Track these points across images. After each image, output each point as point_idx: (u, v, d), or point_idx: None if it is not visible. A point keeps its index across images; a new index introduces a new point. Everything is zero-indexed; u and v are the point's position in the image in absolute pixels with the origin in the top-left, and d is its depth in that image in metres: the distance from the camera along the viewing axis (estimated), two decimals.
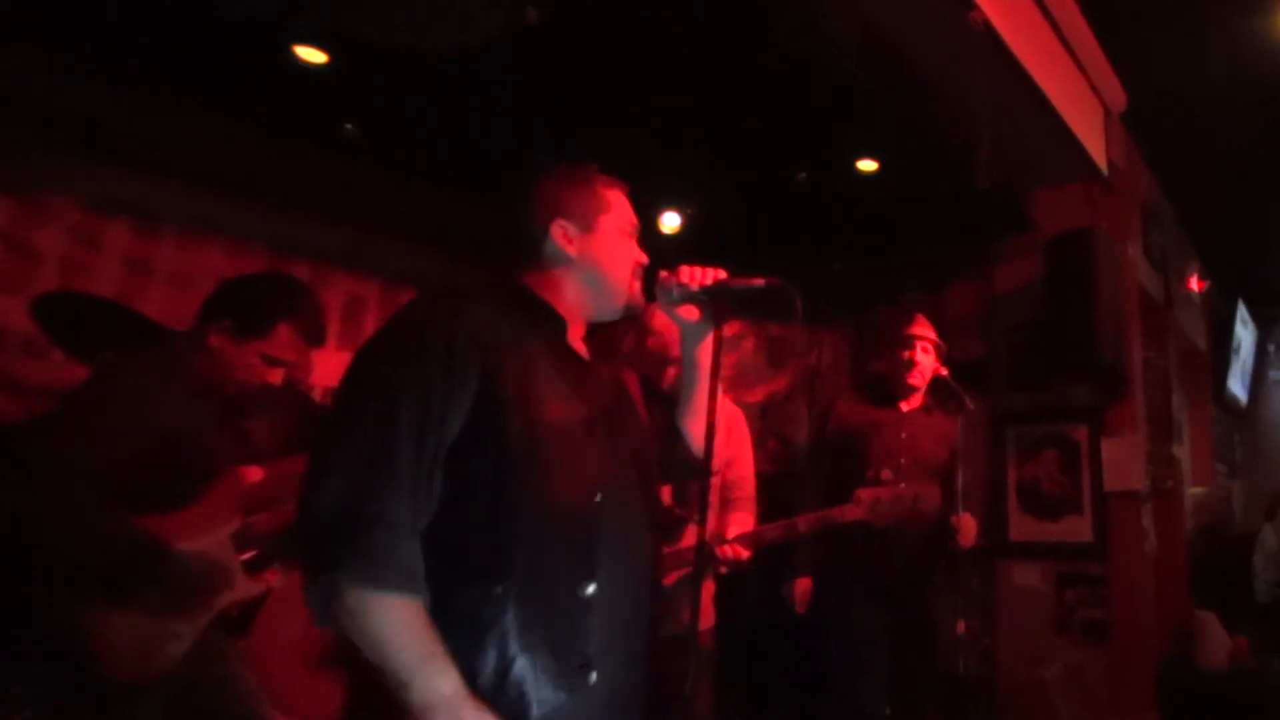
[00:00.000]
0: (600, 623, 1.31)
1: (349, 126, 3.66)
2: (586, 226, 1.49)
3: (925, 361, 3.34)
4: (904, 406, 3.37)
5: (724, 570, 2.61)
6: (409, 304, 1.37)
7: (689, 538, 2.58)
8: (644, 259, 1.55)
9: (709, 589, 2.71)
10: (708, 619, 2.73)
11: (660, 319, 2.54)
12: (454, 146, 3.81)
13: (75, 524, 1.82)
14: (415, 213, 4.34)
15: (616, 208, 1.53)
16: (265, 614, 2.42)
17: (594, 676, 1.28)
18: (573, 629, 1.29)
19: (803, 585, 3.22)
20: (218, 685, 2.07)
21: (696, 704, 2.58)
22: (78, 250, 3.58)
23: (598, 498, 1.36)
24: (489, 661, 1.21)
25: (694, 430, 1.64)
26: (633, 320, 1.60)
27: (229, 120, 3.58)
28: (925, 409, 3.36)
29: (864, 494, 2.70)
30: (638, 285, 1.54)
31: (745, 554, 2.59)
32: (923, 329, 3.37)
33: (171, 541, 1.89)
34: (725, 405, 2.90)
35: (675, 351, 2.48)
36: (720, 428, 2.79)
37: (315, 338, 2.15)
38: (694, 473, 1.68)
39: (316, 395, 3.86)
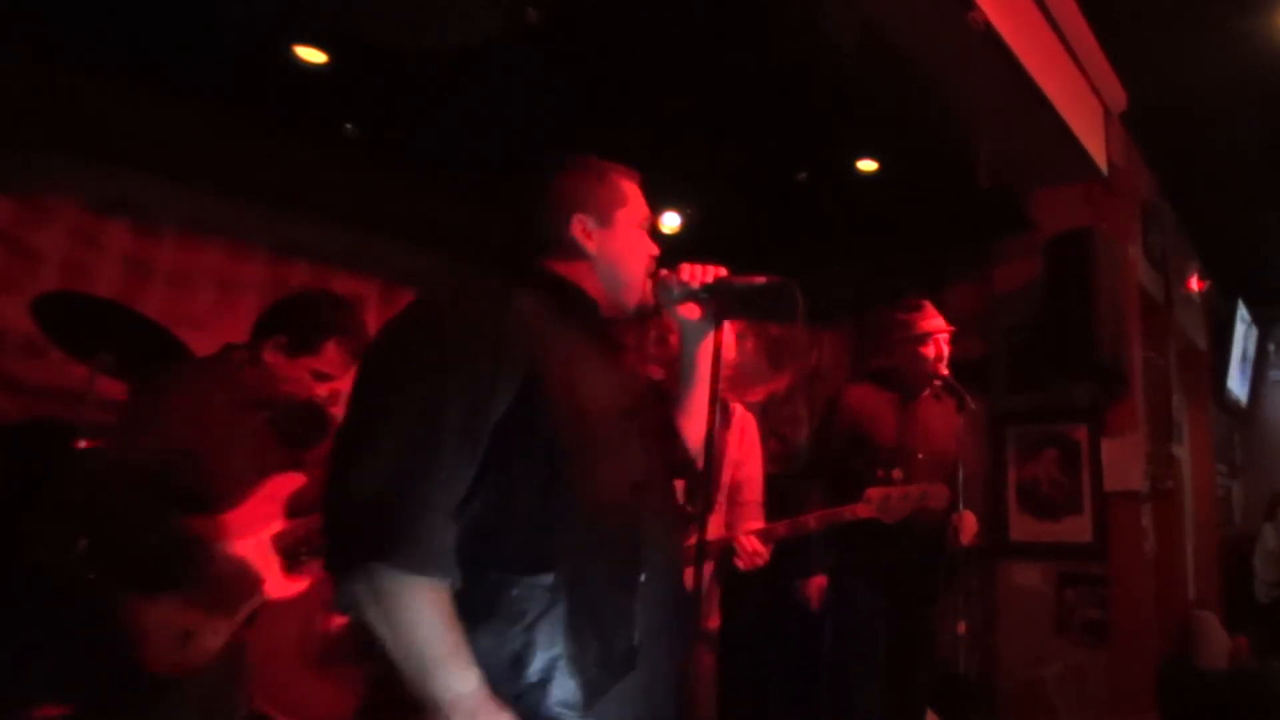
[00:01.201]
0: (642, 609, 1.31)
1: (349, 126, 3.66)
2: (605, 221, 1.47)
3: (945, 352, 3.31)
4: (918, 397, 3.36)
5: (741, 565, 2.61)
6: (453, 288, 1.33)
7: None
8: (656, 251, 1.53)
9: (716, 590, 2.72)
10: (714, 619, 2.73)
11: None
12: (454, 146, 3.81)
13: (122, 520, 1.92)
14: (415, 213, 4.34)
15: (633, 201, 1.52)
16: (265, 614, 2.42)
17: (638, 664, 1.28)
18: (621, 618, 1.28)
19: (817, 584, 3.23)
20: (244, 680, 2.20)
21: (700, 704, 2.58)
22: (78, 250, 3.59)
23: (641, 488, 1.35)
24: (539, 651, 1.20)
25: (688, 430, 1.62)
26: (647, 319, 1.59)
27: (229, 120, 3.58)
28: (935, 395, 3.32)
29: (874, 493, 2.71)
30: (650, 282, 1.52)
31: (764, 550, 2.60)
32: (934, 322, 3.34)
33: (214, 541, 1.99)
34: (736, 407, 2.91)
35: None
36: (734, 429, 2.81)
37: (360, 354, 2.25)
38: (685, 472, 1.67)
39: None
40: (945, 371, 3.28)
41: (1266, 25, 3.64)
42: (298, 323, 2.16)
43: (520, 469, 1.24)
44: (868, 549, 3.13)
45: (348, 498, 1.14)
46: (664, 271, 1.53)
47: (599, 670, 1.24)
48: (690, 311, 1.55)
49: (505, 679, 1.18)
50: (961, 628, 3.28)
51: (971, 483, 3.32)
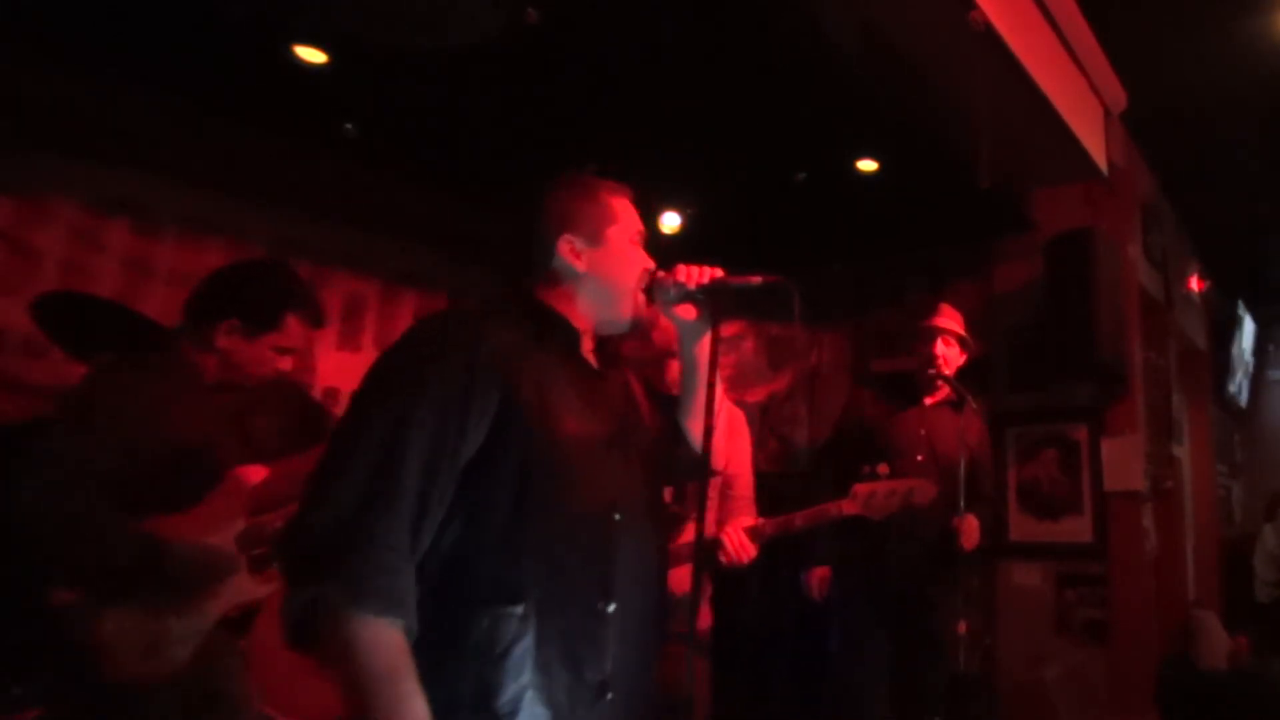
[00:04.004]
0: (615, 638, 1.31)
1: (349, 126, 3.66)
2: (594, 240, 1.48)
3: (948, 355, 3.29)
4: (928, 401, 3.35)
5: (725, 561, 2.60)
6: (431, 318, 1.36)
7: (687, 534, 2.57)
8: (650, 264, 1.53)
9: (706, 589, 2.71)
10: (705, 619, 2.72)
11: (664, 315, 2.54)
12: (454, 146, 3.81)
13: (77, 524, 1.82)
14: (415, 213, 4.34)
15: (623, 217, 1.52)
16: (265, 614, 2.42)
17: (610, 695, 1.29)
18: (592, 647, 1.29)
19: (820, 574, 3.23)
20: (226, 685, 2.06)
21: (697, 705, 2.58)
22: (78, 250, 3.58)
23: (616, 516, 1.36)
24: (508, 681, 1.20)
25: (695, 430, 1.63)
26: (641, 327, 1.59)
27: (229, 120, 3.58)
28: (952, 404, 3.29)
29: (859, 489, 2.68)
30: (642, 296, 1.51)
31: (751, 547, 2.59)
32: (947, 321, 3.33)
33: (174, 542, 1.88)
34: (724, 404, 2.90)
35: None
36: (719, 426, 2.80)
37: (317, 321, 2.17)
38: (696, 473, 1.68)
39: (316, 394, 3.86)
40: (948, 371, 3.28)
41: (1266, 26, 3.64)
42: (250, 301, 2.05)
43: (492, 500, 1.25)
44: (870, 554, 3.13)
45: (305, 529, 1.15)
46: (660, 273, 1.53)
47: (569, 700, 1.24)
48: (687, 312, 1.55)
49: (475, 709, 1.18)
50: (961, 628, 3.28)
51: (982, 485, 3.33)
